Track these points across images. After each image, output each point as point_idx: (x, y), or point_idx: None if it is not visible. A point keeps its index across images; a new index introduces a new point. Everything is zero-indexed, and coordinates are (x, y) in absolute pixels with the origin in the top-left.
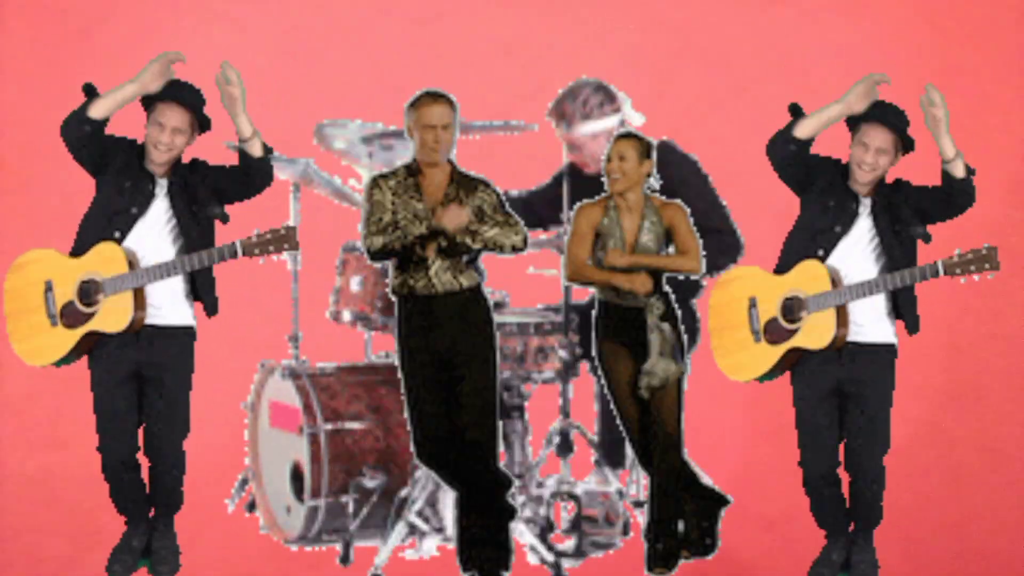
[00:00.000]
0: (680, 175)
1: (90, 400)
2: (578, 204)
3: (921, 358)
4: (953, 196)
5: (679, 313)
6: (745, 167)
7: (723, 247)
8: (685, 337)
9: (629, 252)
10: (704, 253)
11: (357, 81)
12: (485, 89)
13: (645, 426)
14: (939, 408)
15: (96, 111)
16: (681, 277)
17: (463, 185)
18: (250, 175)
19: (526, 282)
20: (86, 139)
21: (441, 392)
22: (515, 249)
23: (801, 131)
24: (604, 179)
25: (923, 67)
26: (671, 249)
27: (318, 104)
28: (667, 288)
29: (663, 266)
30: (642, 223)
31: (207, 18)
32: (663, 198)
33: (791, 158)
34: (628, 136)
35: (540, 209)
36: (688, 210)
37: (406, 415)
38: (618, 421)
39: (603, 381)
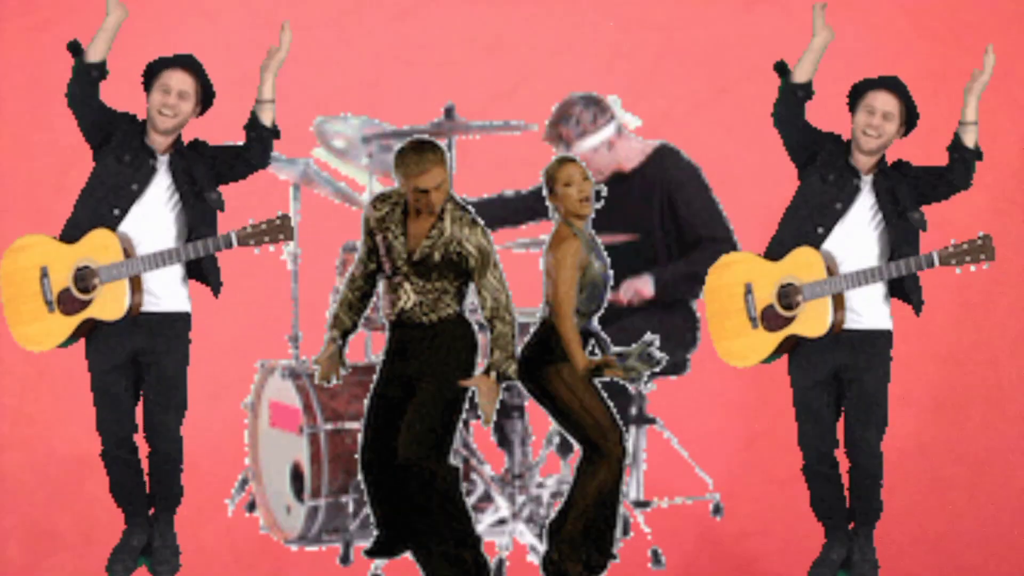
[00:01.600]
0: (680, 179)
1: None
2: (568, 240)
3: (909, 368)
4: (951, 167)
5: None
6: (727, 166)
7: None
8: (687, 335)
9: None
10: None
11: (356, 81)
12: (470, 87)
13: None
14: (926, 416)
15: (93, 54)
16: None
17: (454, 221)
18: (250, 143)
19: (526, 282)
20: (94, 89)
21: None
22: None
23: (800, 75)
24: (550, 204)
25: (906, 66)
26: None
27: (316, 105)
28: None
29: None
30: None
31: (207, 16)
32: None
33: (800, 109)
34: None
35: (537, 203)
36: None
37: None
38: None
39: (569, 398)
